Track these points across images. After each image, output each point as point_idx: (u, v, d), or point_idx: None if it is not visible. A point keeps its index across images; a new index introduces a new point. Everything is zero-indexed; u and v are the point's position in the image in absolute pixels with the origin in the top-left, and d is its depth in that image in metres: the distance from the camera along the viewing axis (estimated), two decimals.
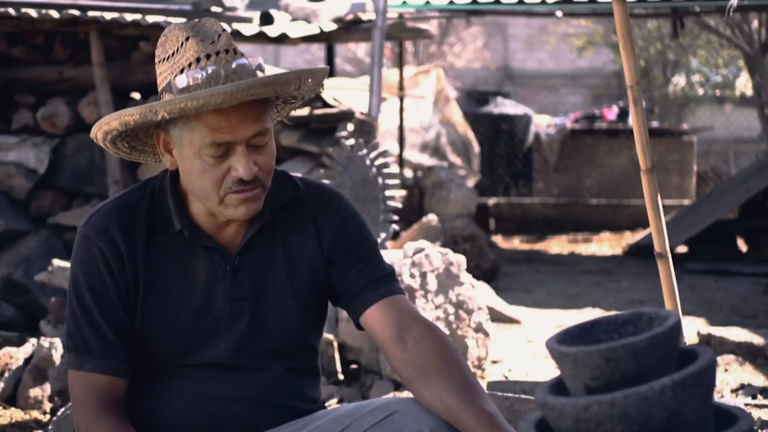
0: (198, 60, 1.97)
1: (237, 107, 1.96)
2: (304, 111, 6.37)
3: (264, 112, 2.01)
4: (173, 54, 2.00)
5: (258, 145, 2.00)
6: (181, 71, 1.97)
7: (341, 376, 4.52)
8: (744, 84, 15.18)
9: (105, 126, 2.03)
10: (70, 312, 2.06)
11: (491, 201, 11.13)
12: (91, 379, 2.02)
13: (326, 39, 7.96)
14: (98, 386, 2.02)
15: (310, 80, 2.05)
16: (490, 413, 1.91)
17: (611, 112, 12.78)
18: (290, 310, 2.11)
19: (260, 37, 6.55)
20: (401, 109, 9.74)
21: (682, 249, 9.03)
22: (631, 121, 2.89)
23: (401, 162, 9.63)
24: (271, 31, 6.46)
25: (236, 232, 2.10)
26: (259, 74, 2.03)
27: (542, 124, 13.22)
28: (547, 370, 4.91)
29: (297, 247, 2.13)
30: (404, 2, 7.83)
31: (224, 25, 2.07)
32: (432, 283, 4.66)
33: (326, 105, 6.52)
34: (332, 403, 4.08)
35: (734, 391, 4.33)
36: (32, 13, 5.88)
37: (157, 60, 2.04)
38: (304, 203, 2.15)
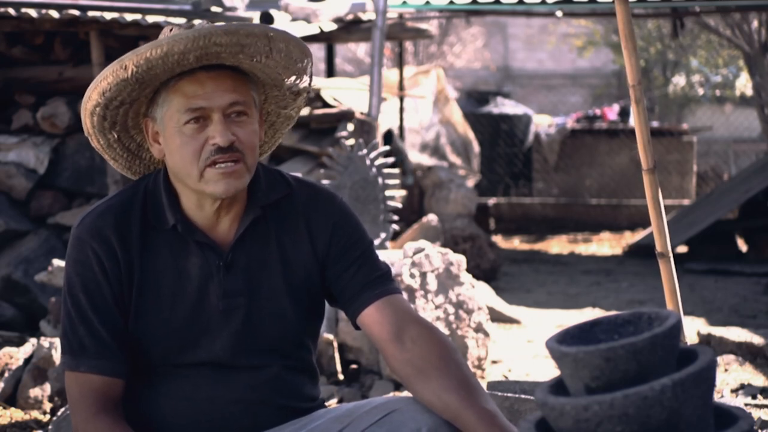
0: None
1: (212, 76, 2.00)
2: (305, 111, 6.37)
3: (242, 85, 2.03)
4: None
5: (236, 116, 2.01)
6: None
7: (341, 376, 4.52)
8: (744, 84, 15.18)
9: (88, 104, 2.04)
10: (65, 313, 2.06)
11: (491, 201, 11.12)
12: (88, 380, 2.02)
13: (326, 39, 7.96)
14: (94, 387, 2.02)
15: (282, 45, 2.03)
16: (490, 411, 1.91)
17: (612, 111, 12.78)
18: (285, 306, 2.11)
19: None
20: (401, 109, 9.74)
21: (682, 249, 9.03)
22: (633, 120, 2.89)
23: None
24: None
25: (229, 228, 2.10)
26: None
27: (542, 124, 13.22)
28: (547, 370, 4.91)
29: (290, 245, 2.13)
30: (404, 2, 7.83)
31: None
32: (432, 283, 4.66)
33: (326, 105, 6.52)
34: (332, 403, 4.08)
35: (734, 391, 4.33)
36: (32, 13, 5.88)
37: None
38: (296, 202, 2.15)
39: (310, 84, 2.16)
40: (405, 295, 4.53)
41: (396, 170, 5.18)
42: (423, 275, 4.64)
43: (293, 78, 2.12)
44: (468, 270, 5.02)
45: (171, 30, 2.04)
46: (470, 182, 10.29)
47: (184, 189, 2.08)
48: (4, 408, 4.05)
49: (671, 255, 2.92)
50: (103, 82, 1.98)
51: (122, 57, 1.95)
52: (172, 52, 1.92)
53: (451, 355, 2.01)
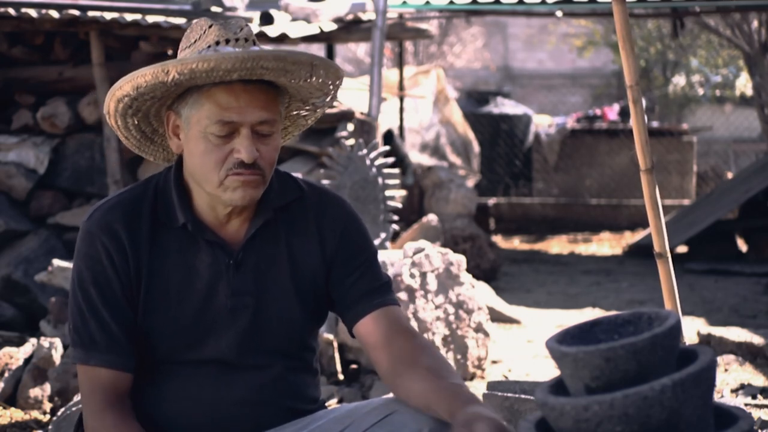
0: (217, 43, 1.99)
1: (247, 89, 1.99)
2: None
3: (273, 102, 2.03)
4: (195, 41, 2.03)
5: (263, 133, 2.01)
6: (200, 53, 1.99)
7: (341, 376, 4.52)
8: (744, 84, 15.17)
9: (118, 92, 2.03)
10: (75, 307, 2.06)
11: (491, 201, 11.12)
12: (97, 374, 2.03)
13: (326, 39, 7.95)
14: (103, 381, 2.03)
15: (322, 71, 2.04)
16: (455, 384, 1.92)
17: (612, 111, 12.78)
18: (292, 307, 2.12)
19: (260, 37, 6.54)
20: (401, 109, 9.73)
21: (682, 249, 9.03)
22: (631, 121, 2.89)
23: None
24: (271, 31, 6.46)
25: (239, 228, 2.11)
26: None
27: (542, 124, 13.22)
28: (547, 370, 4.91)
29: (299, 247, 2.13)
30: (404, 2, 7.83)
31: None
32: (432, 283, 4.66)
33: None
34: (332, 403, 4.08)
35: (734, 391, 4.33)
36: (32, 13, 5.87)
37: (180, 50, 2.06)
38: (307, 205, 2.16)
39: (333, 101, 2.17)
40: (405, 296, 4.53)
41: (396, 170, 5.19)
42: (423, 275, 4.64)
43: (322, 96, 2.13)
44: (468, 270, 5.01)
45: (210, 27, 2.00)
46: (470, 182, 10.29)
47: (197, 188, 2.09)
48: (4, 408, 4.05)
49: (669, 255, 2.93)
50: (140, 79, 1.98)
51: (166, 62, 1.94)
52: (218, 68, 1.92)
53: (425, 351, 2.03)
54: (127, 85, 2.00)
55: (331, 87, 2.11)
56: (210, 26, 2.02)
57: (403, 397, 2.00)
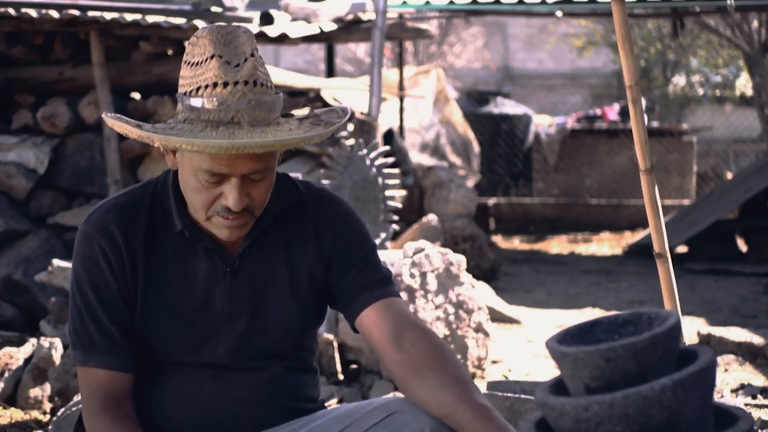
0: (215, 85, 1.94)
1: None
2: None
3: (268, 153, 1.98)
4: (197, 64, 1.97)
5: (255, 178, 1.99)
6: (198, 89, 1.95)
7: (341, 376, 4.52)
8: (744, 84, 15.16)
9: (113, 124, 2.03)
10: (74, 309, 2.07)
11: (491, 201, 11.12)
12: (96, 375, 2.04)
13: (326, 39, 7.95)
14: (101, 383, 2.03)
15: (317, 138, 2.01)
16: (485, 406, 1.92)
17: (612, 111, 12.78)
18: (290, 313, 2.12)
19: (260, 37, 6.55)
20: (401, 109, 9.73)
21: (682, 249, 9.03)
22: (631, 121, 2.89)
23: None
24: (271, 31, 6.45)
25: None
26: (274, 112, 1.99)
27: (542, 124, 13.22)
28: (547, 370, 4.91)
29: (298, 251, 2.13)
30: (404, 2, 7.83)
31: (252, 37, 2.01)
32: (432, 283, 4.66)
33: (326, 105, 6.52)
34: (332, 403, 4.08)
35: (734, 391, 4.34)
36: (32, 13, 5.87)
37: (184, 59, 2.02)
38: (305, 208, 2.15)
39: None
40: (405, 296, 4.53)
41: (396, 170, 5.19)
42: (423, 275, 4.64)
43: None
44: (468, 270, 5.02)
45: (212, 57, 1.94)
46: (470, 182, 10.29)
47: None
48: (4, 408, 4.05)
49: (669, 255, 2.93)
50: (127, 131, 1.99)
51: (151, 134, 1.94)
52: (202, 151, 1.91)
53: (447, 356, 2.02)
54: (116, 126, 2.01)
55: (328, 133, 2.06)
56: (212, 56, 1.95)
57: (415, 398, 1.99)
